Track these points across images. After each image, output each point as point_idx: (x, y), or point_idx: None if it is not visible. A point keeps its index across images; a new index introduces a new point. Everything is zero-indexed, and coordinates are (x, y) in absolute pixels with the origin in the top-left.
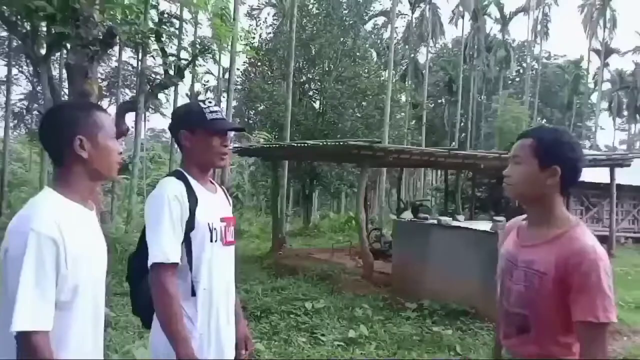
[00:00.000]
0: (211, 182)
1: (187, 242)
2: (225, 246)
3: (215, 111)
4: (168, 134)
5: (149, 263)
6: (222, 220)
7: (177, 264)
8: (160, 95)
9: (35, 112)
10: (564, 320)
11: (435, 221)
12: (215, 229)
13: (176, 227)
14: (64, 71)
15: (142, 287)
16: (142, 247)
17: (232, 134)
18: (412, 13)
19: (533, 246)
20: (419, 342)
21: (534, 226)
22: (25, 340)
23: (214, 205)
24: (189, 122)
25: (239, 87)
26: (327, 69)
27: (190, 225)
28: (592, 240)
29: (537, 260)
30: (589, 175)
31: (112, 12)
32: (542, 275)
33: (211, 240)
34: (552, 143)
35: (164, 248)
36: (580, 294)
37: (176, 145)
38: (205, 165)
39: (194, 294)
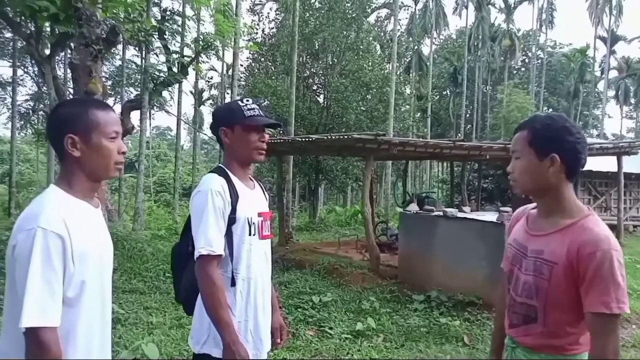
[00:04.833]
0: (250, 178)
1: (228, 235)
2: (261, 240)
3: (253, 108)
4: (173, 132)
5: (196, 255)
6: (260, 215)
7: (221, 255)
8: (165, 93)
9: (41, 113)
10: (572, 311)
11: (441, 213)
12: (253, 223)
13: (219, 220)
14: (69, 71)
15: (183, 276)
16: (185, 237)
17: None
18: (415, 4)
19: (543, 235)
20: (427, 334)
21: (545, 216)
22: (33, 336)
23: (253, 200)
24: (228, 119)
25: (243, 82)
26: (330, 62)
27: (231, 219)
28: (605, 231)
29: (547, 250)
30: (596, 163)
31: (114, 11)
32: (553, 265)
33: (250, 234)
34: (545, 131)
35: (210, 241)
36: (592, 284)
37: (180, 143)
38: (244, 161)
39: (233, 284)
